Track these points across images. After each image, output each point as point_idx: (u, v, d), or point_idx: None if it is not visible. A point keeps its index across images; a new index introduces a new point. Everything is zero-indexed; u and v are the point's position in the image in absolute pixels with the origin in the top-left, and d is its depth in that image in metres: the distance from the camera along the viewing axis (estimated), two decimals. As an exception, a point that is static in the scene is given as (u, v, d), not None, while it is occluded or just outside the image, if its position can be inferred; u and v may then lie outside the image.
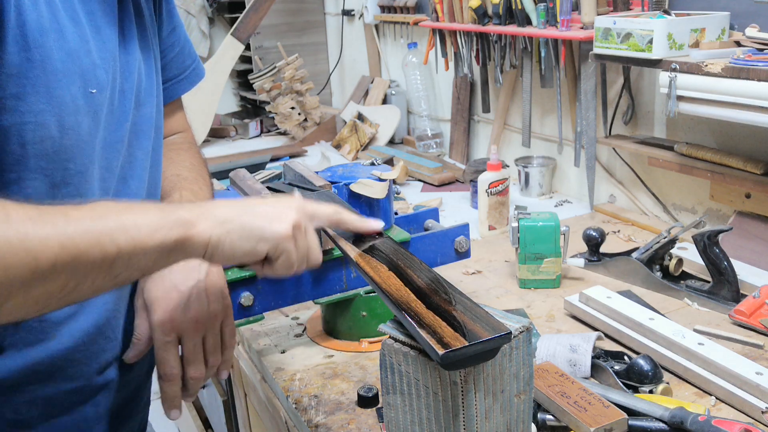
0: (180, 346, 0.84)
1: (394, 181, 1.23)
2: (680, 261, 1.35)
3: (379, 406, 1.01)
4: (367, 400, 1.01)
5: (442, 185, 2.12)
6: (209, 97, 2.68)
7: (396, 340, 0.73)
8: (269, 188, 1.14)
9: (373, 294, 1.16)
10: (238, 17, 2.71)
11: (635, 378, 0.99)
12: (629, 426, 0.89)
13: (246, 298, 1.07)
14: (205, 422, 2.15)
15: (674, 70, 1.33)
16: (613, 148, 1.79)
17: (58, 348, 0.80)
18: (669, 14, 1.42)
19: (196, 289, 0.84)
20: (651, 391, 0.98)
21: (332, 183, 1.10)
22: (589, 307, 1.21)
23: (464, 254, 1.25)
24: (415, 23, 2.39)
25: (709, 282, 1.28)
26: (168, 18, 0.99)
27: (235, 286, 1.07)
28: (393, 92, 2.68)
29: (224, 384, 1.71)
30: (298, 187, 1.10)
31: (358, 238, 0.87)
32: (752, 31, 1.34)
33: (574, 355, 1.04)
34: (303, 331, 1.26)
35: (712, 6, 1.46)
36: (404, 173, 2.16)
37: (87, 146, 0.76)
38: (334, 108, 3.10)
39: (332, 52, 3.24)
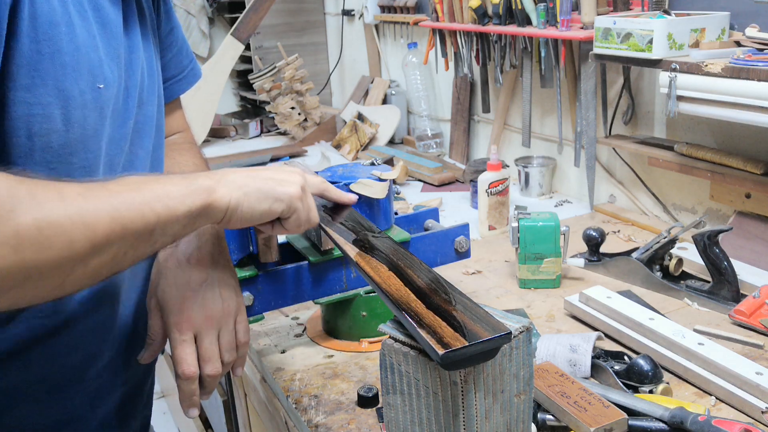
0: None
1: (394, 181, 1.23)
2: (680, 261, 1.35)
3: (379, 406, 1.01)
4: (367, 400, 1.01)
5: (442, 185, 2.12)
6: (209, 97, 2.68)
7: (396, 340, 0.73)
8: None
9: (373, 294, 1.16)
10: (238, 17, 2.71)
11: (635, 378, 0.99)
12: (629, 426, 0.89)
13: (246, 298, 1.07)
14: (205, 422, 2.15)
15: (674, 70, 1.33)
16: (613, 148, 1.79)
17: (53, 348, 0.80)
18: (669, 14, 1.42)
19: (209, 286, 0.85)
20: (651, 391, 0.98)
21: (332, 183, 1.10)
22: (589, 307, 1.21)
23: (464, 254, 1.25)
24: (415, 23, 2.39)
25: (709, 282, 1.28)
26: (166, 18, 1.00)
27: (235, 286, 1.06)
28: (393, 92, 2.68)
29: (224, 384, 1.71)
30: None
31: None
32: (752, 31, 1.34)
33: (574, 355, 1.04)
34: (303, 331, 1.26)
35: (712, 6, 1.46)
36: (404, 173, 2.16)
37: (92, 142, 0.76)
38: (334, 108, 3.10)
39: (332, 52, 3.24)
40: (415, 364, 0.72)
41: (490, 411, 0.72)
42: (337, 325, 1.20)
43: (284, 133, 2.89)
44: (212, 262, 0.87)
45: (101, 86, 0.76)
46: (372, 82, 2.80)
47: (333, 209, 1.02)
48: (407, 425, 0.76)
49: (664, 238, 1.34)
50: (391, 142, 2.59)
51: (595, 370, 1.04)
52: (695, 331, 1.13)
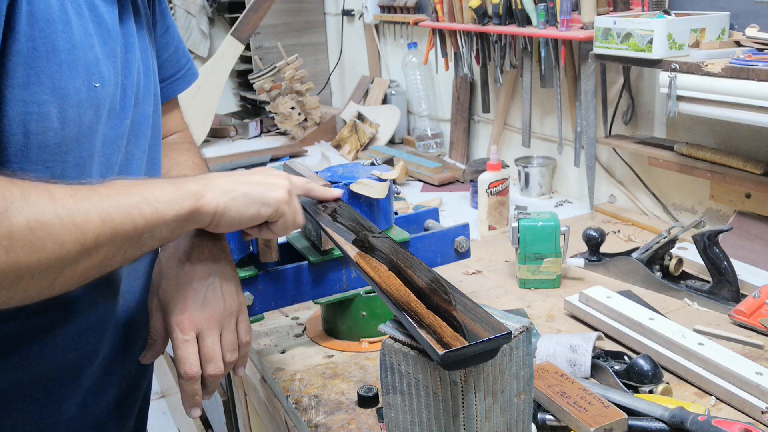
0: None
1: (394, 181, 1.23)
2: (680, 261, 1.35)
3: (379, 406, 1.01)
4: (367, 400, 1.01)
5: (442, 185, 2.12)
6: (209, 97, 2.68)
7: (396, 340, 0.73)
8: None
9: (373, 294, 1.16)
10: (238, 17, 2.71)
11: (635, 378, 0.99)
12: (629, 426, 0.89)
13: (246, 298, 1.07)
14: (205, 422, 2.15)
15: (674, 70, 1.33)
16: (613, 148, 1.79)
17: (49, 346, 0.80)
18: (669, 14, 1.42)
19: (211, 286, 0.84)
20: (651, 391, 0.98)
21: (332, 183, 1.10)
22: (589, 307, 1.21)
23: (464, 254, 1.25)
24: (415, 23, 2.39)
25: (709, 282, 1.28)
26: (162, 18, 1.00)
27: (235, 286, 1.06)
28: (393, 92, 2.68)
29: (224, 384, 1.71)
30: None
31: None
32: (752, 31, 1.34)
33: (574, 355, 1.04)
34: (303, 331, 1.26)
35: (712, 6, 1.46)
36: (404, 173, 2.16)
37: (86, 140, 0.76)
38: (334, 108, 3.10)
39: (332, 52, 3.24)
40: (415, 364, 0.72)
41: (490, 411, 0.72)
42: (337, 325, 1.20)
43: (284, 133, 2.89)
44: (214, 261, 0.87)
45: (97, 85, 0.76)
46: (372, 82, 2.80)
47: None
48: (407, 425, 0.76)
49: (664, 238, 1.34)
50: (391, 142, 2.59)
51: (595, 370, 1.04)
52: (695, 331, 1.13)
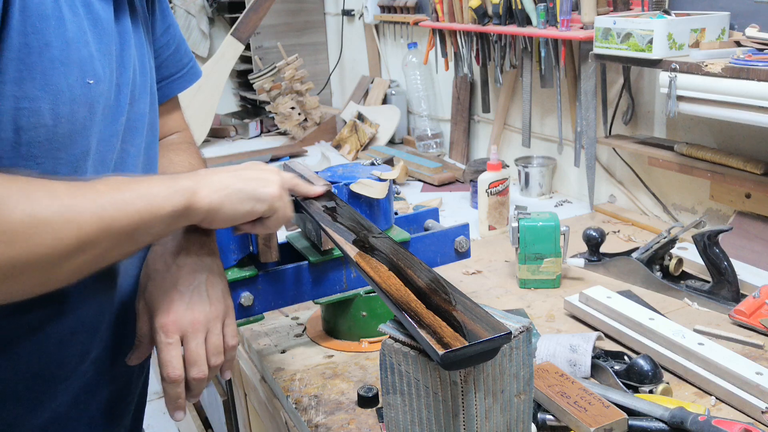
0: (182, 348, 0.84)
1: (394, 181, 1.23)
2: (680, 261, 1.35)
3: (379, 406, 1.01)
4: (367, 400, 1.01)
5: (442, 185, 2.12)
6: (209, 97, 2.68)
7: (396, 340, 0.73)
8: None
9: (373, 294, 1.16)
10: (238, 17, 2.71)
11: (635, 378, 0.99)
12: (629, 426, 0.89)
13: (246, 298, 1.07)
14: (205, 422, 2.15)
15: (674, 70, 1.33)
16: (613, 148, 1.79)
17: (41, 344, 0.80)
18: (669, 14, 1.42)
19: (196, 289, 0.84)
20: (651, 391, 0.98)
21: (332, 183, 1.10)
22: (589, 307, 1.21)
23: (464, 254, 1.25)
24: (415, 23, 2.39)
25: (709, 282, 1.28)
26: (162, 17, 1.00)
27: (235, 286, 1.06)
28: (393, 92, 2.68)
29: (224, 384, 1.71)
30: None
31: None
32: (752, 31, 1.34)
33: (574, 355, 1.04)
34: (303, 331, 1.26)
35: (712, 6, 1.46)
36: (404, 173, 2.16)
37: (81, 137, 0.76)
38: (334, 108, 3.10)
39: (332, 52, 3.24)
40: (415, 364, 0.72)
41: (490, 411, 0.72)
42: (337, 325, 1.20)
43: (284, 133, 2.89)
44: (200, 264, 0.86)
45: (91, 81, 0.76)
46: (372, 82, 2.80)
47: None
48: (407, 425, 0.76)
49: (664, 238, 1.34)
50: (391, 142, 2.59)
51: (595, 370, 1.04)
52: (695, 331, 1.13)
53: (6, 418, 0.80)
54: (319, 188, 1.02)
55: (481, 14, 1.86)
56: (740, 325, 1.17)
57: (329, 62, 3.28)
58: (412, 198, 1.99)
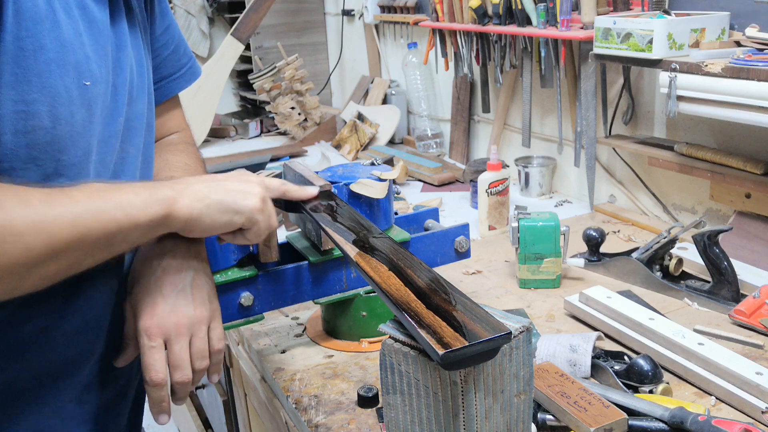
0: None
1: (394, 181, 1.23)
2: (680, 261, 1.35)
3: (379, 406, 1.01)
4: (367, 400, 1.01)
5: (442, 185, 2.12)
6: (209, 97, 2.68)
7: (396, 340, 0.73)
8: None
9: (373, 294, 1.16)
10: (238, 17, 2.71)
11: (635, 378, 0.99)
12: (629, 426, 0.89)
13: (246, 298, 1.07)
14: (205, 422, 2.15)
15: (674, 70, 1.33)
16: (613, 148, 1.79)
17: (47, 343, 0.80)
18: (669, 14, 1.42)
19: (182, 293, 0.83)
20: (651, 391, 0.98)
21: (332, 183, 1.10)
22: (589, 307, 1.21)
23: (464, 254, 1.25)
24: (415, 23, 2.39)
25: (709, 282, 1.28)
26: (161, 16, 1.00)
27: (235, 286, 1.07)
28: (393, 92, 2.68)
29: (224, 384, 1.71)
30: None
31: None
32: (752, 31, 1.34)
33: (574, 355, 1.04)
34: (303, 331, 1.26)
35: (712, 6, 1.46)
36: (404, 173, 2.16)
37: (81, 139, 0.76)
38: (334, 108, 3.10)
39: (332, 52, 3.24)
40: (415, 364, 0.72)
41: (490, 411, 0.72)
42: (337, 325, 1.20)
43: (284, 133, 2.89)
44: (187, 267, 0.85)
45: (88, 83, 0.76)
46: (372, 82, 2.80)
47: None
48: (407, 425, 0.76)
49: (664, 238, 1.34)
50: (391, 142, 2.59)
51: (595, 370, 1.04)
52: (695, 331, 1.13)
53: (10, 415, 0.80)
54: (312, 189, 1.00)
55: (481, 14, 1.86)
56: (740, 325, 1.17)
57: (329, 62, 3.28)
58: (412, 198, 1.99)
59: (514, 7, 1.77)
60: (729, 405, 0.97)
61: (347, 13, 2.97)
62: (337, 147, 2.60)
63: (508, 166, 1.77)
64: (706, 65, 1.28)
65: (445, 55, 2.12)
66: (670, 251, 1.35)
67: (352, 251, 0.86)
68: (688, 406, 0.92)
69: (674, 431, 0.88)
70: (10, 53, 0.68)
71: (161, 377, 0.81)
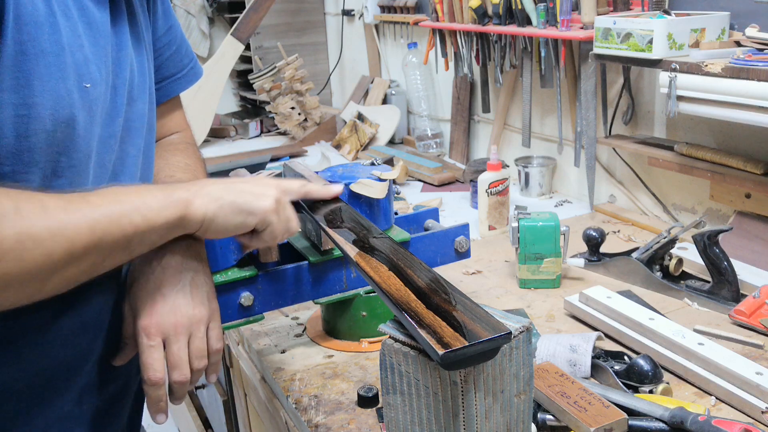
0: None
1: (394, 181, 1.23)
2: (680, 261, 1.35)
3: (379, 406, 1.01)
4: (367, 400, 1.01)
5: (442, 185, 2.12)
6: (209, 97, 2.68)
7: (396, 340, 0.73)
8: None
9: (373, 294, 1.16)
10: (238, 17, 2.71)
11: (635, 378, 0.99)
12: (629, 426, 0.89)
13: (246, 298, 1.07)
14: (205, 422, 2.15)
15: (674, 70, 1.33)
16: (613, 148, 1.79)
17: (45, 343, 0.80)
18: (669, 14, 1.42)
19: (181, 292, 0.83)
20: (651, 391, 0.98)
21: (332, 183, 1.10)
22: (589, 307, 1.21)
23: (464, 254, 1.25)
24: (415, 23, 2.39)
25: (709, 282, 1.28)
26: (164, 17, 1.00)
27: (235, 286, 1.07)
28: (393, 92, 2.68)
29: (224, 384, 1.71)
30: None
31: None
32: (752, 31, 1.34)
33: (574, 355, 1.04)
34: (303, 331, 1.26)
35: (712, 6, 1.46)
36: (404, 173, 2.16)
37: (82, 141, 0.76)
38: (334, 108, 3.10)
39: (332, 52, 3.24)
40: (415, 364, 0.72)
41: (490, 411, 0.72)
42: (337, 325, 1.20)
43: (284, 133, 2.89)
44: (186, 267, 0.85)
45: (88, 85, 0.76)
46: (372, 82, 2.80)
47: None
48: (407, 425, 0.76)
49: (664, 238, 1.34)
50: (391, 142, 2.59)
51: (595, 370, 1.04)
52: (695, 331, 1.13)
53: (9, 415, 0.80)
54: (336, 188, 1.02)
55: (481, 14, 1.87)
56: (740, 325, 1.17)
57: (329, 62, 3.28)
58: (412, 198, 1.99)
59: (514, 7, 1.77)
60: (729, 405, 0.97)
61: (347, 13, 2.97)
62: (337, 147, 2.60)
63: (508, 166, 1.77)
64: (706, 65, 1.28)
65: (445, 55, 2.12)
66: (670, 251, 1.35)
67: (352, 251, 0.86)
68: (688, 406, 0.92)
69: (674, 431, 0.88)
70: (11, 58, 0.69)
71: (159, 376, 0.81)
